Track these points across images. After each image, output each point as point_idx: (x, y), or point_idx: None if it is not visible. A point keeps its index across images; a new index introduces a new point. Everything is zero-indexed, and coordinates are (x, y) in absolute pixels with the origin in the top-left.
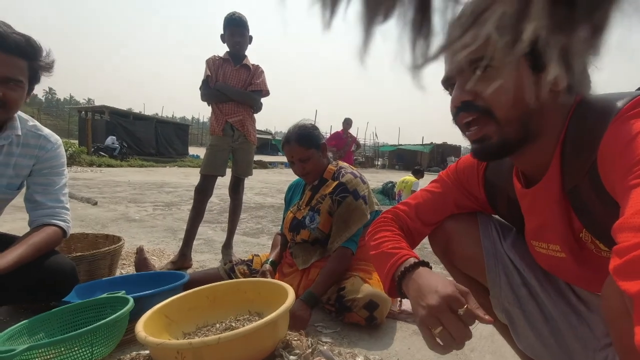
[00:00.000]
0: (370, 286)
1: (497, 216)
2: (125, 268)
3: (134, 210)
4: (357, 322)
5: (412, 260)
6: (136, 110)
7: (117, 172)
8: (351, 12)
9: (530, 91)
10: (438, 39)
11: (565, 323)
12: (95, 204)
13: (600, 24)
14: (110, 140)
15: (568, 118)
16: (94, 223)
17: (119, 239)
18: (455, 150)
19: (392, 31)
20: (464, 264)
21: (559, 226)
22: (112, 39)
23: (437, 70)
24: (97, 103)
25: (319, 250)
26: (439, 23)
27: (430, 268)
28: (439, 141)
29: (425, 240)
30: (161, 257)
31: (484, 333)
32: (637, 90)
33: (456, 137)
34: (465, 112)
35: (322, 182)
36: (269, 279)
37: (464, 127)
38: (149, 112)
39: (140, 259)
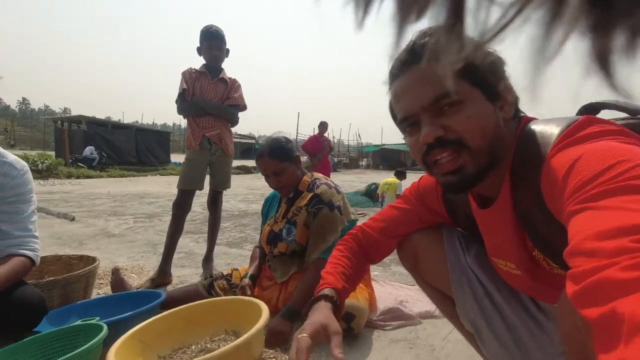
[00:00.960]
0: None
1: (460, 229)
2: (103, 288)
3: (114, 224)
4: None
5: (325, 290)
6: (115, 118)
7: (97, 183)
8: (384, 12)
9: (492, 119)
10: (470, 38)
11: (526, 331)
12: (73, 219)
13: (638, 25)
14: (89, 150)
15: (514, 144)
16: (70, 240)
17: (93, 259)
18: None
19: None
20: (432, 278)
21: (513, 246)
22: (87, 46)
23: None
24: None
25: (297, 262)
26: (472, 23)
27: (335, 302)
28: None
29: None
30: (140, 273)
31: (459, 337)
32: (581, 108)
33: None
34: (439, 148)
35: (298, 194)
36: (244, 297)
37: (433, 164)
38: (128, 120)
39: (117, 280)
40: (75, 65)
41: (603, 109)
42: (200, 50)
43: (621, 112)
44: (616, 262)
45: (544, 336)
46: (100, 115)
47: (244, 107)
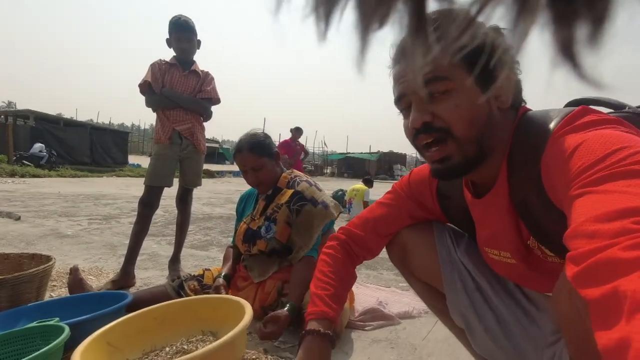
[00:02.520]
0: None
1: (450, 224)
2: (57, 290)
3: (66, 224)
4: None
5: (315, 324)
6: (67, 115)
7: (45, 182)
8: (346, 22)
9: (483, 109)
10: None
11: (516, 324)
12: (18, 218)
13: (601, 15)
14: (38, 147)
15: (512, 133)
16: (17, 241)
17: (48, 258)
18: (401, 158)
19: (388, 38)
20: (422, 272)
21: (509, 235)
22: (37, 32)
23: (383, 78)
24: (20, 107)
25: (276, 261)
26: (435, 28)
27: (330, 337)
28: (385, 149)
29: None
30: (99, 276)
31: (439, 337)
32: (565, 106)
33: (402, 145)
34: (425, 133)
35: (277, 191)
36: (223, 295)
37: (423, 148)
38: (82, 117)
39: (75, 280)
40: (22, 56)
41: (589, 104)
42: (169, 42)
43: (606, 108)
44: (617, 242)
45: (534, 328)
46: (51, 111)
47: (217, 101)
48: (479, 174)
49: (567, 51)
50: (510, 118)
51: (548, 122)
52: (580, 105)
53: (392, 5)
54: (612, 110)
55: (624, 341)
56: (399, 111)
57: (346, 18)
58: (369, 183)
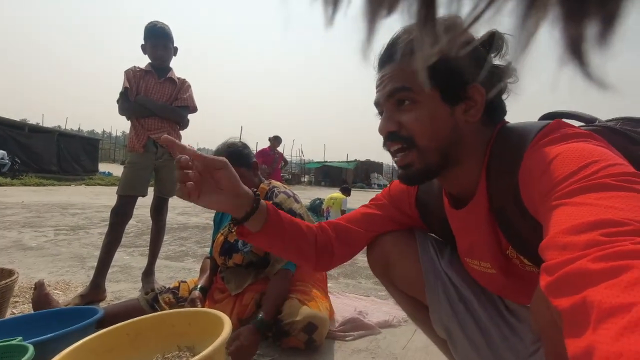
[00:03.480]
0: (308, 308)
1: (432, 234)
2: (19, 307)
3: (30, 236)
4: (296, 346)
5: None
6: (33, 121)
7: (7, 192)
8: (354, 7)
9: (448, 122)
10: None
11: (499, 335)
12: None
13: (612, 14)
14: (0, 155)
15: (490, 145)
16: None
17: (10, 272)
18: (378, 166)
19: (396, 25)
20: (404, 283)
21: (488, 244)
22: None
23: (364, 85)
24: None
25: (253, 273)
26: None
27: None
28: (362, 158)
29: (357, 257)
30: (66, 290)
31: (419, 345)
32: (540, 119)
33: (379, 154)
34: (392, 141)
35: None
36: (200, 308)
37: (393, 154)
38: (49, 124)
39: (40, 295)
40: None
41: (562, 118)
42: (144, 49)
43: (578, 121)
44: (587, 254)
45: (515, 338)
46: (15, 116)
47: (194, 109)
48: (455, 185)
49: (575, 49)
50: (485, 130)
51: (524, 134)
52: (555, 118)
53: None
54: (583, 124)
55: (590, 349)
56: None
57: (354, 3)
58: (346, 192)
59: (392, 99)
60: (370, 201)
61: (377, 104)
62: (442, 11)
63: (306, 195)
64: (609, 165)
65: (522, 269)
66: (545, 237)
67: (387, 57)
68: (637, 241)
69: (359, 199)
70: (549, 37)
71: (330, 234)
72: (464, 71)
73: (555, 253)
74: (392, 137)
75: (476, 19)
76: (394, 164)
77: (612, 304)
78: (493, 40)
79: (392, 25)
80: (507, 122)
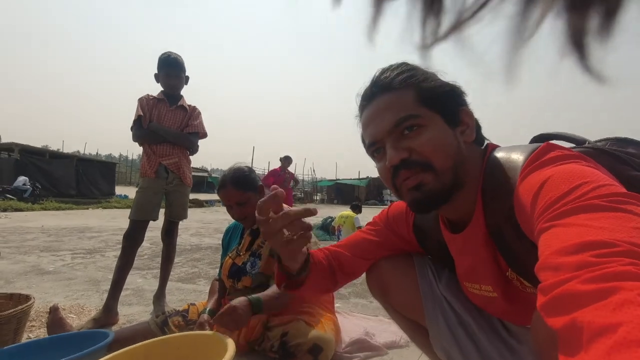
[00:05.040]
0: (314, 329)
1: (430, 257)
2: (35, 331)
3: (48, 260)
4: None
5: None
6: (54, 147)
7: (28, 216)
8: None
9: (454, 142)
10: (449, 17)
11: (499, 357)
12: None
13: (613, 6)
14: (22, 181)
15: (483, 169)
16: None
17: (27, 297)
18: None
19: (402, 8)
20: (403, 307)
21: (488, 267)
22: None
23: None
24: (5, 139)
25: None
26: (450, 2)
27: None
28: (374, 175)
29: (362, 278)
30: (80, 313)
31: None
32: (531, 141)
33: None
34: (405, 169)
35: None
36: (204, 332)
37: (401, 186)
38: (69, 149)
39: (54, 320)
40: (8, 87)
41: (552, 140)
42: (157, 77)
43: (568, 142)
44: (577, 275)
45: None
46: (37, 143)
47: (203, 135)
48: (453, 210)
49: (576, 41)
50: (478, 154)
51: (516, 157)
52: (545, 140)
53: None
54: (573, 145)
55: None
56: (370, 157)
57: None
58: (357, 209)
59: (398, 130)
60: (367, 225)
61: (375, 141)
62: None
63: (318, 213)
64: (599, 186)
65: (523, 291)
66: (540, 259)
67: (376, 90)
68: (625, 262)
69: (372, 216)
70: (550, 28)
71: (335, 265)
72: (455, 95)
73: (549, 274)
74: (405, 164)
75: (482, 5)
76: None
77: (600, 324)
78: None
79: (398, 8)
80: (497, 146)
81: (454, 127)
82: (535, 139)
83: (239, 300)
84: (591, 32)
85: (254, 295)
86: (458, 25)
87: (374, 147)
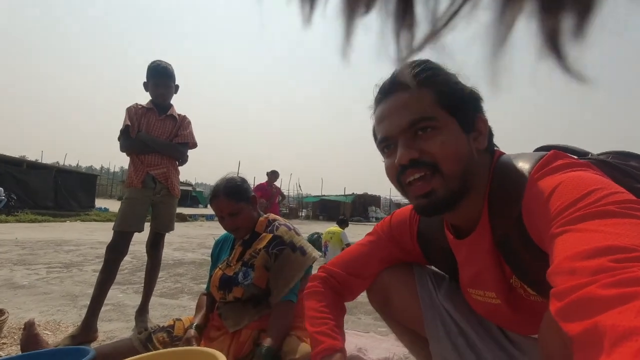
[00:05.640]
0: (307, 345)
1: (431, 266)
2: (6, 349)
3: (22, 274)
4: None
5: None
6: (32, 158)
7: (1, 228)
8: (331, 6)
9: (466, 148)
10: (422, 29)
11: None
12: None
13: (587, 6)
14: None
15: (490, 176)
16: None
17: (1, 312)
18: (375, 200)
19: (374, 23)
20: (403, 317)
21: (492, 274)
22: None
23: (358, 117)
24: None
25: (252, 310)
26: (422, 13)
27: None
28: (360, 191)
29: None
30: (57, 330)
31: None
32: (535, 150)
33: (376, 187)
34: (413, 168)
35: (255, 236)
36: (194, 347)
37: (408, 185)
38: (48, 160)
39: (29, 336)
40: None
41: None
42: (146, 86)
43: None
44: (596, 279)
45: None
46: (14, 153)
47: (193, 145)
48: (460, 216)
49: (552, 42)
50: (487, 160)
51: (523, 164)
52: (547, 150)
53: None
54: (576, 157)
55: None
56: (380, 151)
57: (332, 1)
58: (343, 224)
59: (412, 130)
60: (367, 235)
61: (387, 137)
62: (419, 8)
63: (304, 229)
64: (611, 193)
65: (526, 299)
66: (552, 264)
67: (395, 86)
68: None
69: (357, 232)
70: (525, 31)
71: (339, 289)
72: (472, 101)
73: (564, 278)
74: (413, 164)
75: (454, 14)
76: (392, 198)
77: (625, 327)
78: None
79: (370, 23)
80: (504, 153)
81: (468, 133)
82: (539, 150)
83: None
84: (566, 32)
85: (263, 350)
86: (432, 35)
87: (385, 143)
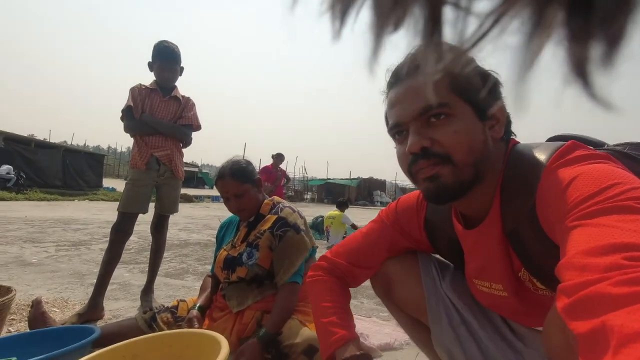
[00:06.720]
0: (308, 329)
1: (436, 255)
2: (15, 325)
3: (31, 251)
4: None
5: (342, 352)
6: (40, 137)
7: (11, 206)
8: (361, 22)
9: (480, 137)
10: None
11: (502, 358)
12: None
13: (616, 35)
14: (5, 169)
15: (504, 165)
16: None
17: (8, 289)
18: (381, 184)
19: (402, 41)
20: (406, 304)
21: (501, 266)
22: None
23: (366, 103)
24: None
25: (255, 290)
26: (450, 34)
27: (363, 356)
28: (365, 175)
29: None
30: (64, 308)
31: None
32: (548, 140)
33: (382, 171)
34: (424, 159)
35: (259, 217)
36: (197, 330)
37: (417, 174)
38: (56, 139)
39: (36, 314)
40: None
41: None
42: (151, 66)
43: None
44: (608, 277)
45: None
46: (23, 132)
47: (197, 127)
48: (470, 204)
49: (579, 69)
50: (501, 149)
51: (539, 154)
52: (564, 140)
53: (408, 8)
54: (593, 149)
55: None
56: (391, 137)
57: (361, 18)
58: (343, 206)
59: (424, 116)
60: (371, 222)
61: (399, 123)
62: (447, 29)
63: (309, 212)
64: (632, 189)
65: (534, 292)
66: (563, 257)
67: (406, 74)
68: None
69: (362, 216)
70: (553, 56)
71: (338, 273)
72: (495, 88)
73: (574, 274)
74: (425, 154)
75: (482, 37)
76: (397, 182)
77: (634, 329)
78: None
79: (398, 41)
80: (518, 142)
81: (484, 121)
82: (553, 139)
83: (247, 345)
84: (594, 61)
85: (260, 333)
86: (458, 57)
87: (396, 129)
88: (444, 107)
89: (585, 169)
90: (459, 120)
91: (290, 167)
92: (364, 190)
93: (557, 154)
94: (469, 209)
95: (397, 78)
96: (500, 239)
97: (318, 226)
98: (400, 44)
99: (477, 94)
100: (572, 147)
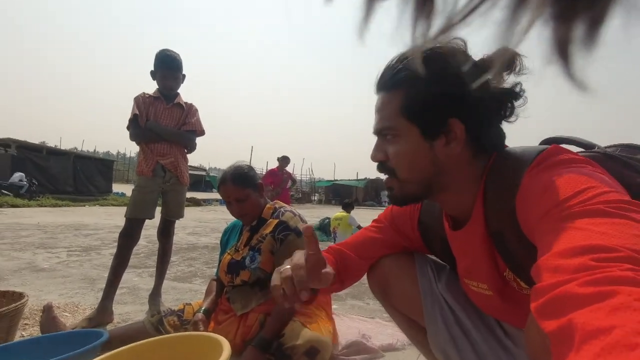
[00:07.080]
0: (310, 331)
1: (432, 256)
2: (28, 329)
3: (43, 257)
4: None
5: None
6: (51, 144)
7: (24, 213)
8: None
9: (426, 156)
10: (440, 18)
11: (495, 358)
12: None
13: (599, 16)
14: (18, 177)
15: (486, 171)
16: None
17: (20, 295)
18: None
19: (393, 8)
20: (402, 305)
21: (485, 266)
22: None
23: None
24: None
25: (259, 293)
26: (442, 4)
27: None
28: (372, 176)
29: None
30: (75, 312)
31: None
32: (540, 144)
33: None
34: (379, 170)
35: (262, 222)
36: (200, 332)
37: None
38: (66, 146)
39: (48, 319)
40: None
41: (561, 143)
42: (154, 75)
43: (577, 147)
44: (576, 277)
45: None
46: (34, 139)
47: (201, 133)
48: (452, 209)
49: (561, 49)
50: (481, 157)
51: (521, 159)
52: (554, 143)
53: None
54: (582, 150)
55: None
56: None
57: None
58: (349, 207)
59: (381, 134)
60: (373, 222)
61: (374, 133)
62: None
63: (315, 214)
64: (604, 192)
65: (519, 292)
66: (538, 259)
67: (380, 85)
68: (625, 268)
69: (370, 217)
70: (535, 36)
71: (341, 267)
72: (444, 106)
73: (547, 275)
74: (380, 167)
75: (472, 10)
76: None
77: (594, 326)
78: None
79: (389, 7)
80: (506, 147)
81: (434, 140)
82: (544, 143)
83: (245, 355)
84: (576, 41)
85: (257, 339)
86: (447, 28)
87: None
88: (391, 130)
89: (562, 173)
90: (403, 141)
91: (297, 169)
92: (372, 191)
93: (537, 158)
94: (452, 211)
95: (377, 89)
96: (484, 240)
97: (325, 228)
98: (392, 11)
99: (426, 114)
100: (553, 151)
